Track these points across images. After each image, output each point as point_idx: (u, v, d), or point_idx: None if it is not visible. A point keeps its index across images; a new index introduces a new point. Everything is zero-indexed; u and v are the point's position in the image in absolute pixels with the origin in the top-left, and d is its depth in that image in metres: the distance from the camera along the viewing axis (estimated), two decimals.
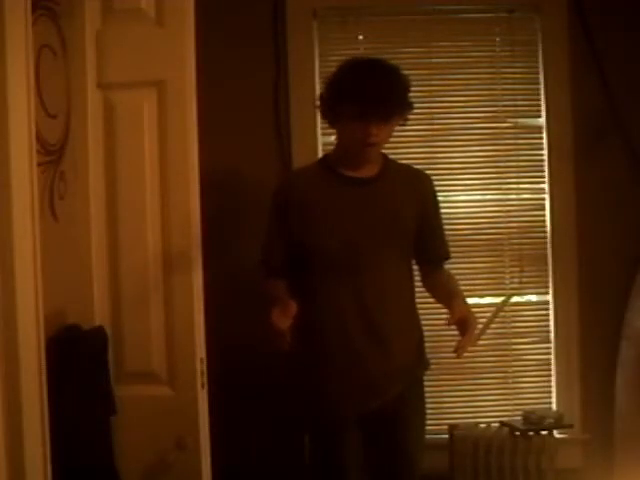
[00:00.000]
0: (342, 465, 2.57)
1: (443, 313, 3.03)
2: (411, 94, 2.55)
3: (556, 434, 3.25)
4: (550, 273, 3.37)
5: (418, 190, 2.65)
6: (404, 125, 2.61)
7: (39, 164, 1.98)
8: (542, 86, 3.36)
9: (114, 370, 2.31)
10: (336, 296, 2.53)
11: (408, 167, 2.76)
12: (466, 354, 3.24)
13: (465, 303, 2.50)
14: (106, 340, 2.30)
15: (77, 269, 2.32)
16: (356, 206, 2.54)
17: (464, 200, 3.38)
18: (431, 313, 2.96)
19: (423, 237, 2.63)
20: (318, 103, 2.62)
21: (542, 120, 3.37)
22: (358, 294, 2.52)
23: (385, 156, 2.66)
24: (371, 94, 2.42)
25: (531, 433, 3.17)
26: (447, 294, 2.55)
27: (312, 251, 2.55)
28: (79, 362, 2.17)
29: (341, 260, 2.52)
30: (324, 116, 2.62)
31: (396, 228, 2.57)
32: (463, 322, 2.39)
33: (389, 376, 2.55)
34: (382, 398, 2.55)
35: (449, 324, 2.38)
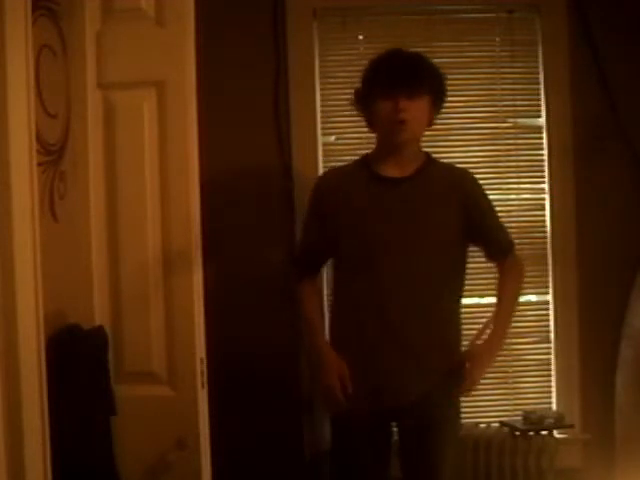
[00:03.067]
0: (356, 460, 2.60)
1: None
2: (445, 86, 2.62)
3: (556, 434, 3.25)
4: (550, 273, 3.37)
5: (459, 191, 2.61)
6: (437, 115, 2.63)
7: (39, 164, 1.98)
8: (542, 86, 3.35)
9: (114, 370, 2.31)
10: (356, 295, 2.56)
11: (450, 167, 2.75)
12: None
13: (497, 333, 2.64)
14: (106, 340, 2.30)
15: (77, 269, 2.32)
16: (386, 206, 2.54)
17: None
18: None
19: (482, 235, 2.67)
20: (354, 100, 2.65)
21: (542, 120, 3.37)
22: (379, 294, 2.52)
23: (428, 156, 2.65)
24: (397, 69, 2.49)
25: (531, 433, 3.18)
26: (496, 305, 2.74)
27: (340, 249, 2.58)
28: (79, 362, 2.17)
29: (365, 260, 2.53)
30: (360, 111, 2.64)
31: (428, 229, 2.55)
32: (471, 357, 2.56)
33: (407, 376, 2.54)
34: (400, 398, 2.55)
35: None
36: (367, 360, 2.54)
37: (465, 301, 3.33)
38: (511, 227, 3.37)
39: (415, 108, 2.49)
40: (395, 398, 2.55)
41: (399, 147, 2.56)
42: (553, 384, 3.38)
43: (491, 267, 3.34)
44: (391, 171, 2.58)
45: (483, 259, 3.35)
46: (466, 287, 3.01)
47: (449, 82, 3.31)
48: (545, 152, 3.37)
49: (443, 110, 3.32)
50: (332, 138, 3.32)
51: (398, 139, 2.53)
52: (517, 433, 3.18)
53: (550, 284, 3.37)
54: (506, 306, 2.69)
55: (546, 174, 3.37)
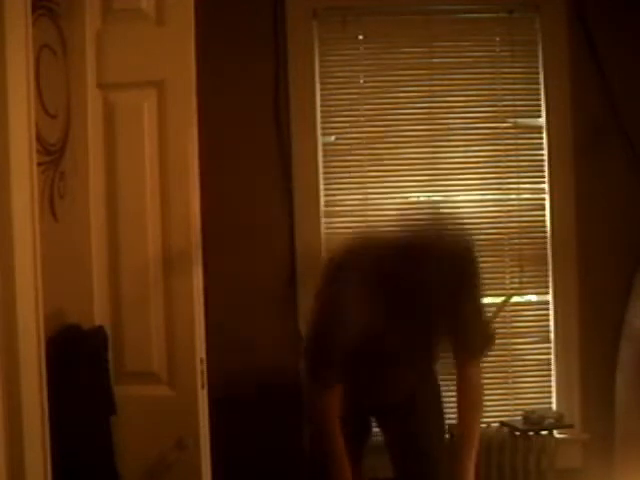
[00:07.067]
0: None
1: None
2: None
3: (556, 434, 3.25)
4: (550, 273, 3.37)
5: (457, 273, 2.31)
6: None
7: (39, 164, 1.98)
8: (542, 86, 3.36)
9: (114, 370, 2.31)
10: (354, 387, 2.51)
11: (452, 245, 2.35)
12: None
13: (468, 457, 2.51)
14: (106, 340, 2.30)
15: (77, 269, 2.32)
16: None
17: (464, 200, 3.38)
18: None
19: (454, 324, 2.42)
20: None
21: (542, 120, 3.37)
22: (378, 389, 2.54)
23: None
24: None
25: (531, 433, 3.17)
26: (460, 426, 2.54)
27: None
28: (79, 362, 2.17)
29: (363, 354, 2.42)
30: None
31: (426, 322, 2.37)
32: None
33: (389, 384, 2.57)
34: (391, 399, 2.58)
35: None
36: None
37: None
38: (511, 227, 3.39)
39: None
40: (379, 400, 2.59)
41: None
42: (553, 384, 3.39)
43: (491, 267, 3.36)
44: None
45: (482, 260, 3.36)
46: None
47: (449, 82, 3.36)
48: (545, 152, 3.37)
49: (443, 110, 3.36)
50: (332, 138, 3.32)
51: None
52: (517, 433, 3.18)
53: (550, 284, 3.38)
54: (471, 438, 2.55)
55: (546, 174, 3.37)
